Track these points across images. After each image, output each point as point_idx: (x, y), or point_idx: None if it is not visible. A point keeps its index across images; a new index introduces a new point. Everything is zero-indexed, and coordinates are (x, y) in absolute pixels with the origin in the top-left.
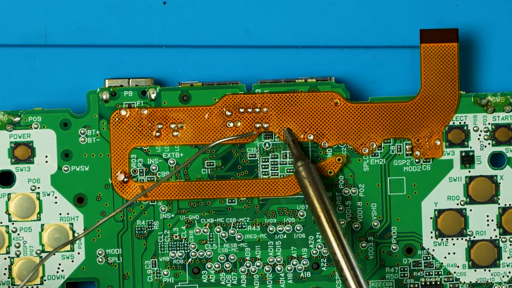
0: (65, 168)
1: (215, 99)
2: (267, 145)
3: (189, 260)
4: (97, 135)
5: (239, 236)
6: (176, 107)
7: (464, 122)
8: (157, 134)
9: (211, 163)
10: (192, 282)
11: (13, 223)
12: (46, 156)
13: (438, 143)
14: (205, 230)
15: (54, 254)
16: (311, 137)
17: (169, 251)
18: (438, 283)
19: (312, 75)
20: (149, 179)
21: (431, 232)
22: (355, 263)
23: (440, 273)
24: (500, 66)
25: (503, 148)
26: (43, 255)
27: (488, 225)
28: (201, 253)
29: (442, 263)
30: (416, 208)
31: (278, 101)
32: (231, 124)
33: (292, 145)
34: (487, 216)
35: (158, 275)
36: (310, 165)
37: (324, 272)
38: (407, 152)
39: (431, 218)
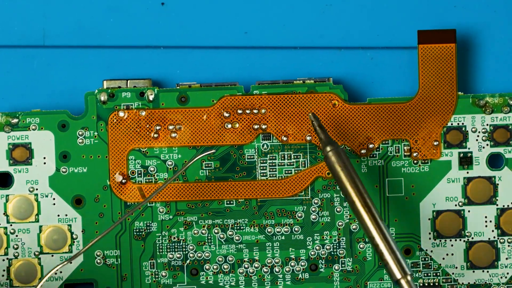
0: (63, 170)
1: (213, 100)
2: (265, 146)
3: (187, 261)
4: (95, 136)
5: (237, 238)
6: (174, 108)
7: (462, 123)
8: (155, 135)
9: (209, 165)
10: (191, 283)
11: (11, 225)
12: (44, 158)
13: (436, 144)
14: (203, 231)
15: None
16: (309, 138)
17: (167, 253)
18: (437, 284)
19: (310, 76)
20: (147, 180)
21: (429, 233)
22: (395, 246)
23: (438, 274)
24: (498, 67)
25: (501, 149)
26: (41, 256)
27: (486, 226)
28: (199, 255)
29: (440, 264)
30: (414, 209)
31: (276, 102)
32: (229, 126)
33: (319, 130)
34: (485, 217)
35: (156, 276)
36: (339, 149)
37: (322, 274)
38: (405, 153)
39: (429, 219)
